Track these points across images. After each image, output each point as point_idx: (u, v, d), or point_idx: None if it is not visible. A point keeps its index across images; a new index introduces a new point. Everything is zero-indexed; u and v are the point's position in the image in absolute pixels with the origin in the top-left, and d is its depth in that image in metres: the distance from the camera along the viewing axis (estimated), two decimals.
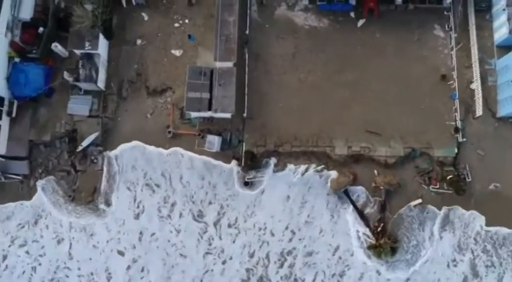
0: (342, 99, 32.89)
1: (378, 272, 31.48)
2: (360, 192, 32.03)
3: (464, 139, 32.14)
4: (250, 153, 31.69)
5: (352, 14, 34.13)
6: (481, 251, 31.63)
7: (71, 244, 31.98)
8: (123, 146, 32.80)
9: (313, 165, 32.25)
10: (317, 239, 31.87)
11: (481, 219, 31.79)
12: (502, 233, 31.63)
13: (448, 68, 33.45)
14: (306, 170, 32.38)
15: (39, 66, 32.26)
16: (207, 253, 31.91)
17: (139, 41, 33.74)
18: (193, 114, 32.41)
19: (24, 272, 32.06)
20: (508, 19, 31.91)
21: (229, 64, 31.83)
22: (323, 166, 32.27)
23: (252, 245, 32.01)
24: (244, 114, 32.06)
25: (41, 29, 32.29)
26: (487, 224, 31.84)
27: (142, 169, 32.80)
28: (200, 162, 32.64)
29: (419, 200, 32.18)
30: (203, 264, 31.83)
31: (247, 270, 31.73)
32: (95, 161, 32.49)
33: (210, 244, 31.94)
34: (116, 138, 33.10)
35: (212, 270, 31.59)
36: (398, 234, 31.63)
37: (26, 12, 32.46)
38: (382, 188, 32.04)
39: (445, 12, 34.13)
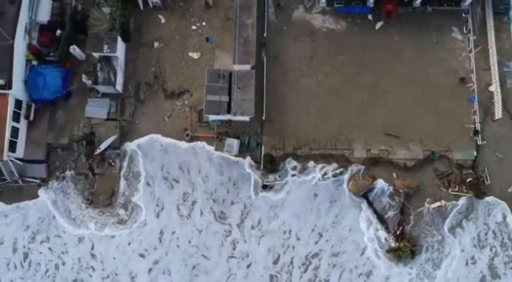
0: (361, 102, 32.79)
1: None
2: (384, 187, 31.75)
3: (484, 142, 32.19)
4: (269, 156, 31.68)
5: (370, 17, 34.09)
6: (499, 245, 31.41)
7: (93, 244, 31.78)
8: (140, 139, 32.52)
9: (332, 167, 32.24)
10: (345, 239, 31.64)
11: (502, 208, 31.42)
12: None
13: (466, 71, 33.45)
14: (325, 172, 32.63)
15: (57, 69, 32.17)
16: (230, 257, 31.71)
17: (156, 44, 33.65)
18: (211, 117, 32.30)
19: (47, 271, 31.74)
20: None
21: (248, 67, 31.95)
22: (342, 169, 32.51)
23: (276, 248, 31.71)
24: (263, 117, 32.06)
25: (58, 32, 32.21)
26: None
27: (160, 163, 32.46)
28: (219, 157, 32.28)
29: (439, 203, 32.16)
30: (227, 268, 31.49)
31: (271, 276, 31.36)
32: (113, 164, 32.32)
33: (234, 248, 31.66)
34: None
35: (235, 274, 31.29)
36: (419, 236, 31.52)
37: (44, 15, 32.37)
38: (401, 191, 32.12)
39: (463, 15, 34.15)
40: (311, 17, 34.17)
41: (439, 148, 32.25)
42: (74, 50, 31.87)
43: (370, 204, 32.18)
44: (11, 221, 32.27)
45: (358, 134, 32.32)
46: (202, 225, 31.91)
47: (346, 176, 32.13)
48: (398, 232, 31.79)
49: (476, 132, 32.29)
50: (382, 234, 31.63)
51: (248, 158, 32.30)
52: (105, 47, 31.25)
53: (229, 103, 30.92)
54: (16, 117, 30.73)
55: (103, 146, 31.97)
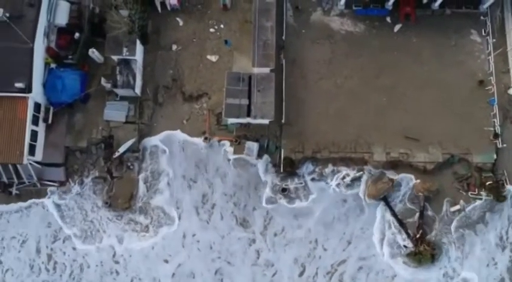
0: (380, 105, 32.69)
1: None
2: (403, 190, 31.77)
3: (504, 145, 31.99)
4: (289, 159, 31.61)
5: (388, 19, 33.96)
6: None
7: (115, 251, 31.67)
8: (160, 135, 32.64)
9: (352, 172, 32.24)
10: (373, 245, 31.48)
11: None
12: None
13: (485, 73, 33.33)
14: (344, 176, 32.52)
15: (75, 72, 32.06)
16: (254, 265, 31.50)
17: (174, 47, 33.56)
18: (230, 120, 32.19)
19: (72, 273, 31.61)
20: None
21: (267, 70, 31.84)
22: (361, 172, 32.43)
23: (302, 258, 31.43)
24: (283, 120, 31.94)
25: (76, 35, 32.09)
26: None
27: (179, 161, 32.37)
28: (238, 159, 32.23)
29: (458, 206, 32.10)
30: (251, 276, 31.20)
31: None
32: (131, 167, 32.25)
33: (258, 256, 31.41)
34: None
35: None
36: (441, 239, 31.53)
37: (62, 18, 32.21)
38: (421, 194, 32.11)
39: (482, 17, 34.05)
40: (329, 20, 34.07)
41: (459, 151, 32.14)
42: (93, 52, 31.77)
43: (390, 207, 32.32)
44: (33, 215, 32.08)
45: (378, 137, 32.21)
46: (224, 231, 31.71)
47: (365, 180, 32.20)
48: (418, 235, 31.96)
49: (496, 135, 32.19)
50: (400, 239, 31.49)
51: (263, 160, 32.04)
52: (125, 50, 31.15)
53: (248, 106, 30.92)
54: (35, 121, 30.63)
55: (122, 149, 31.86)
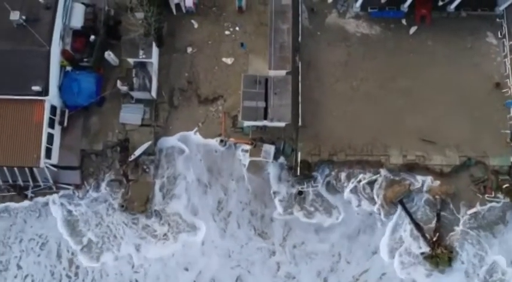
0: (396, 107, 32.53)
1: None
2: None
3: None
4: (306, 162, 31.53)
5: (403, 21, 33.85)
6: None
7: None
8: (174, 136, 32.45)
9: (367, 176, 32.15)
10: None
11: None
12: None
13: (501, 76, 33.24)
14: (359, 180, 32.40)
15: (91, 75, 31.92)
16: (274, 277, 31.25)
17: (189, 49, 33.43)
18: (246, 123, 32.15)
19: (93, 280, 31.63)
20: None
21: (283, 72, 31.76)
22: (378, 175, 32.29)
23: (325, 271, 31.15)
24: (299, 123, 31.86)
25: (92, 38, 31.95)
26: None
27: (194, 164, 32.31)
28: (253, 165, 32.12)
29: (475, 209, 32.13)
30: None
31: None
32: (147, 170, 32.20)
33: (278, 268, 31.18)
34: None
35: None
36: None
37: (77, 21, 32.05)
38: (438, 197, 32.06)
39: (497, 19, 33.96)
40: (344, 22, 33.98)
41: (475, 154, 32.01)
42: (109, 55, 31.66)
43: (406, 210, 32.19)
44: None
45: (394, 140, 32.07)
46: (243, 240, 31.49)
47: (382, 183, 32.19)
48: (435, 239, 31.94)
49: None
50: (415, 248, 31.31)
51: (275, 169, 31.78)
52: (141, 52, 30.96)
53: (265, 109, 30.86)
54: (51, 124, 30.50)
55: (137, 152, 31.68)
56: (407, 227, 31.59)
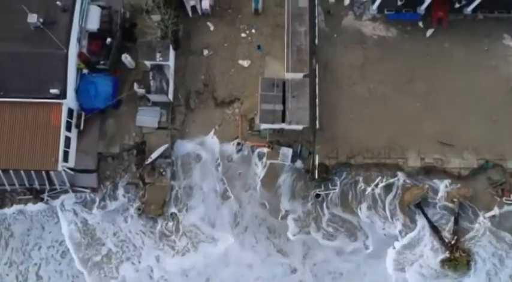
0: (413, 110, 32.40)
1: None
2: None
3: None
4: (324, 166, 31.40)
5: (420, 24, 33.71)
6: None
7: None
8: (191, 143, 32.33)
9: (384, 179, 31.94)
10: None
11: None
12: None
13: None
14: (377, 184, 32.27)
15: (107, 78, 31.90)
16: None
17: (205, 51, 33.33)
18: (263, 126, 32.02)
19: None
20: None
21: (300, 75, 31.63)
22: (395, 178, 32.01)
23: None
24: (317, 126, 31.73)
25: (108, 40, 31.91)
26: None
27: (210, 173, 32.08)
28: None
29: (493, 212, 32.00)
30: None
31: None
32: (164, 173, 32.04)
33: None
34: None
35: None
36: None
37: (93, 23, 31.99)
38: (455, 200, 31.93)
39: None
40: (361, 24, 33.83)
41: (493, 157, 31.83)
42: (126, 58, 31.56)
43: (424, 213, 32.04)
44: None
45: (412, 143, 31.93)
46: (262, 255, 31.20)
47: (400, 186, 31.97)
48: (453, 242, 31.83)
49: None
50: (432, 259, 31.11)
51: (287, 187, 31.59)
52: (158, 55, 30.93)
53: (283, 112, 30.84)
54: (68, 127, 30.42)
55: (154, 155, 31.62)
56: (427, 240, 31.22)
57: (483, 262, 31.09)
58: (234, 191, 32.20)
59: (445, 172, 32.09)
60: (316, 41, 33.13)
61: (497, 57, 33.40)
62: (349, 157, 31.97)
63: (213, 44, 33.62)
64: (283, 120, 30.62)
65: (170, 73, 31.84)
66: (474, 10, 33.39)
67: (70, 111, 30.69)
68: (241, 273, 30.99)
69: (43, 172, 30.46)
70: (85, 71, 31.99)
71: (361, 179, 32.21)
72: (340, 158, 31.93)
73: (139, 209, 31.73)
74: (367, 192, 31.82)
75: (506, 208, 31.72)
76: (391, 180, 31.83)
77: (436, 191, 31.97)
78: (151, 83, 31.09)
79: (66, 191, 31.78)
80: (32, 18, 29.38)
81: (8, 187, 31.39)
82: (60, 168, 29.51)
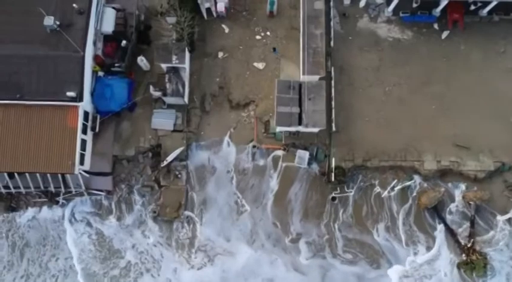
0: (429, 113, 32.30)
1: None
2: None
3: None
4: (341, 168, 31.28)
5: (436, 26, 33.59)
6: None
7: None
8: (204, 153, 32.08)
9: (400, 182, 31.81)
10: None
11: None
12: None
13: None
14: (393, 187, 32.08)
15: (123, 80, 31.69)
16: None
17: (220, 54, 33.20)
18: (278, 128, 31.95)
19: None
20: None
21: (316, 78, 31.55)
22: (413, 181, 31.97)
23: None
24: (333, 128, 31.66)
25: (124, 42, 31.75)
26: None
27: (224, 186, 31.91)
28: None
29: (510, 214, 31.81)
30: None
31: None
32: (179, 176, 31.98)
33: None
34: None
35: None
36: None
37: (108, 25, 31.72)
38: (472, 203, 31.84)
39: None
40: (376, 27, 33.67)
41: (510, 159, 31.70)
42: (142, 60, 31.46)
43: (440, 216, 31.92)
44: None
45: (428, 145, 31.83)
46: (282, 270, 30.67)
47: (417, 189, 31.83)
48: (469, 244, 31.75)
49: None
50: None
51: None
52: (174, 57, 30.75)
53: (299, 114, 30.84)
54: (84, 130, 30.26)
55: (170, 158, 31.52)
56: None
57: (501, 266, 30.93)
58: (249, 205, 31.77)
59: (461, 175, 31.98)
60: (332, 43, 33.17)
61: None
62: (365, 160, 31.83)
63: (228, 46, 33.49)
64: (299, 123, 30.78)
65: (186, 76, 31.82)
66: (490, 12, 33.23)
67: (86, 114, 30.55)
68: None
69: (59, 175, 30.39)
70: (100, 73, 31.96)
71: (377, 182, 32.01)
72: (356, 161, 31.80)
73: (154, 212, 31.64)
74: (383, 199, 31.42)
75: None
76: (408, 183, 31.74)
77: (452, 194, 31.86)
78: (168, 85, 30.94)
79: (81, 194, 31.69)
80: (49, 20, 29.18)
81: (23, 190, 31.43)
82: (77, 171, 29.36)
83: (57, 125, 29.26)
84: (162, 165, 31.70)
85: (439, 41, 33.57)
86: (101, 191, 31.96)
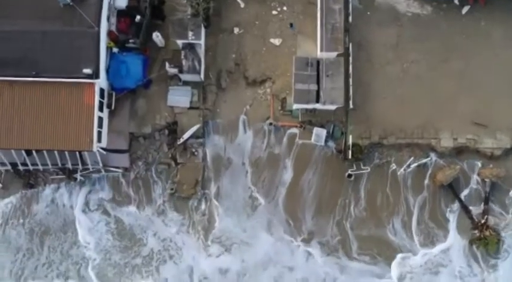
0: (447, 90, 31.89)
1: None
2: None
3: None
4: (358, 146, 31.21)
5: (456, 1, 32.70)
6: None
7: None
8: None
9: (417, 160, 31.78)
10: None
11: None
12: None
13: None
14: (409, 164, 32.12)
15: (138, 56, 31.19)
16: None
17: (236, 30, 32.56)
18: (295, 106, 31.74)
19: None
20: None
21: (334, 54, 31.08)
22: (428, 158, 31.99)
23: None
24: (351, 106, 31.40)
25: (138, 18, 31.07)
26: None
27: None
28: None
29: None
30: None
31: None
32: (196, 153, 32.04)
33: None
34: None
35: None
36: None
37: (122, 0, 31.21)
38: (487, 180, 32.00)
39: None
40: (395, 2, 32.75)
41: None
42: (157, 37, 30.89)
43: (456, 194, 32.11)
44: None
45: (445, 123, 31.62)
46: (303, 258, 30.71)
47: (431, 166, 32.00)
48: (483, 221, 32.13)
49: None
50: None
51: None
52: (190, 33, 30.24)
53: (317, 92, 30.57)
54: (100, 107, 29.99)
55: (186, 136, 31.45)
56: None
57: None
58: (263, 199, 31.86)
59: (478, 152, 31.91)
60: (350, 19, 32.47)
61: None
62: (382, 137, 31.70)
63: (243, 22, 32.77)
64: (317, 100, 30.53)
65: (202, 52, 31.31)
66: None
67: (101, 91, 30.18)
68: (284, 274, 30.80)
69: (76, 152, 30.50)
70: (115, 49, 31.47)
71: (393, 159, 32.00)
72: (373, 138, 31.69)
73: (172, 189, 31.86)
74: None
75: None
76: (424, 161, 31.91)
77: (467, 171, 31.99)
78: (184, 62, 30.51)
79: (98, 171, 31.77)
80: None
81: (40, 166, 31.59)
82: (95, 148, 29.32)
83: (74, 103, 28.97)
84: (178, 143, 31.84)
85: (459, 17, 32.85)
86: (118, 168, 32.11)
